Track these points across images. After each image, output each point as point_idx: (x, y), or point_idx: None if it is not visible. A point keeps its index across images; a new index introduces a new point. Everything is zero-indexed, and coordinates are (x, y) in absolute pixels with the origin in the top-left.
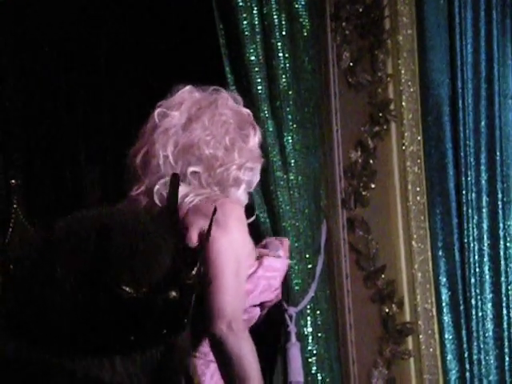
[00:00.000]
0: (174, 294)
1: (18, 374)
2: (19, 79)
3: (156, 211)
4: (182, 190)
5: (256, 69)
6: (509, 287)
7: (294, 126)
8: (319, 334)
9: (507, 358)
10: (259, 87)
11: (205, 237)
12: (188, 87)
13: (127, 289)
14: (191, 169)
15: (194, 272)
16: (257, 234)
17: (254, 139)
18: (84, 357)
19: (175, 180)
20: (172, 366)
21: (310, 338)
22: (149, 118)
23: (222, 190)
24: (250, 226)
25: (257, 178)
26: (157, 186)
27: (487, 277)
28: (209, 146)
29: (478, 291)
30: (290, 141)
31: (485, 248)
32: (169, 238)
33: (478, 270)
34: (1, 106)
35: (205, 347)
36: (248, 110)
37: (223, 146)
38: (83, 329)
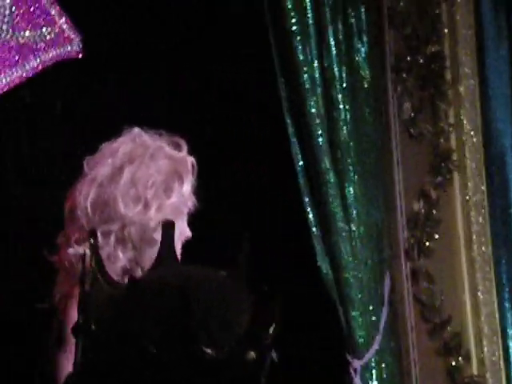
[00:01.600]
0: (252, 354)
1: None
2: None
3: (234, 269)
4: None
5: (317, 121)
6: None
7: (356, 176)
8: None
9: None
10: (320, 139)
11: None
12: (134, 131)
13: (207, 350)
14: (103, 228)
15: (271, 331)
16: (319, 284)
17: (181, 189)
18: None
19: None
20: None
21: None
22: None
23: (136, 249)
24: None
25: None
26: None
27: None
28: (125, 204)
29: None
30: (352, 192)
31: None
32: (245, 297)
33: None
34: None
35: None
36: (186, 157)
37: (142, 203)
38: None
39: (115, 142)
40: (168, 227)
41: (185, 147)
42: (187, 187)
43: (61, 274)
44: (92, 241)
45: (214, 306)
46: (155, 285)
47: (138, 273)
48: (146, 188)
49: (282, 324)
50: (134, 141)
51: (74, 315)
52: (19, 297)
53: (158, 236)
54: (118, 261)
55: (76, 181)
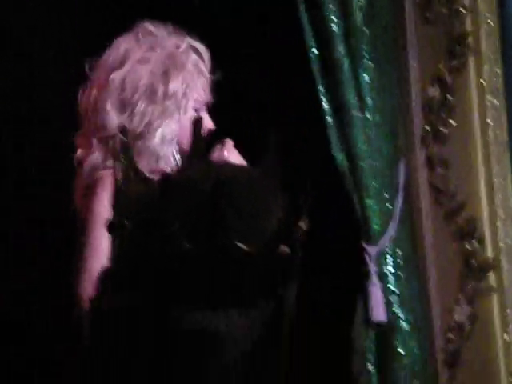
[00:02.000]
0: (285, 248)
1: (135, 326)
2: None
3: (263, 165)
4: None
5: (330, 6)
6: None
7: (370, 63)
8: (400, 273)
9: None
10: (333, 25)
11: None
12: (141, 25)
13: (242, 245)
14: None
15: (302, 226)
16: (335, 174)
17: (166, 91)
18: (200, 309)
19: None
20: (281, 321)
21: (391, 277)
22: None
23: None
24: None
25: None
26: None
27: None
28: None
29: None
30: (366, 79)
31: None
32: (278, 193)
33: None
34: None
35: None
36: (187, 52)
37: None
38: (199, 283)
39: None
40: (197, 124)
41: (186, 39)
42: (176, 84)
43: (79, 173)
44: (122, 137)
45: (246, 202)
46: (187, 182)
47: None
48: (132, 94)
49: (312, 219)
50: (133, 39)
51: (99, 211)
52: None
53: (145, 143)
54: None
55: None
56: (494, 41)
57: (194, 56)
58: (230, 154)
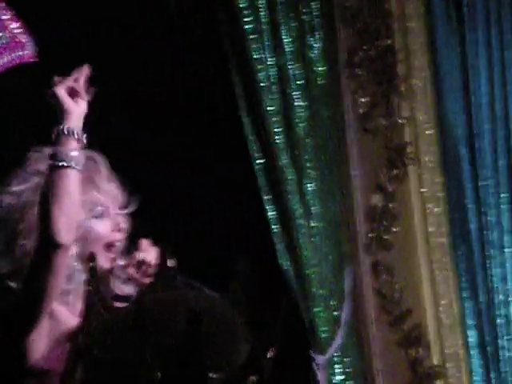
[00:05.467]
0: (253, 378)
1: None
2: None
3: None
4: None
5: (274, 118)
6: None
7: (313, 173)
8: (348, 382)
9: None
10: (277, 137)
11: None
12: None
13: (214, 375)
14: None
15: (269, 356)
16: (280, 281)
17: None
18: None
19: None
20: None
21: None
22: None
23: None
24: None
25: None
26: None
27: None
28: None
29: (504, 331)
30: (310, 188)
31: (509, 287)
32: (243, 323)
33: (503, 310)
34: None
35: None
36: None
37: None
38: None
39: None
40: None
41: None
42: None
43: None
44: (91, 264)
45: (219, 334)
46: (160, 309)
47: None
48: None
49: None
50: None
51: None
52: None
53: None
54: None
55: None
56: (433, 150)
57: None
58: (147, 253)
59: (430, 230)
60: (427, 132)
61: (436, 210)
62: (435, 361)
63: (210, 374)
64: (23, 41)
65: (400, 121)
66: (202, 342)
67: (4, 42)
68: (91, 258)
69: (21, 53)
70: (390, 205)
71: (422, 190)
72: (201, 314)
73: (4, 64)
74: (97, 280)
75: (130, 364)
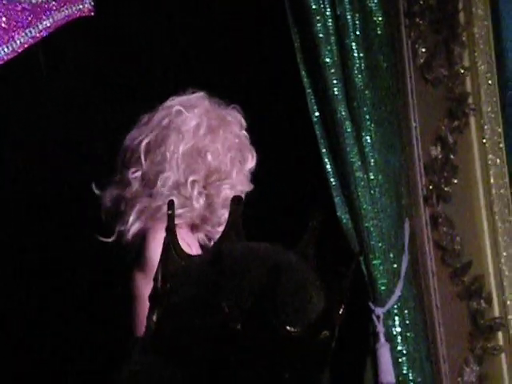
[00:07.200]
0: (326, 333)
1: None
2: None
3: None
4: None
5: (332, 70)
6: None
7: (372, 125)
8: (408, 334)
9: None
10: (335, 89)
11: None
12: (202, 93)
13: (290, 328)
14: (192, 178)
15: (341, 312)
16: (339, 234)
17: (251, 163)
18: None
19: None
20: None
21: (399, 337)
22: (157, 109)
23: (207, 205)
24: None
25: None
26: (165, 191)
27: None
28: (214, 157)
29: None
30: (369, 140)
31: None
32: (318, 279)
33: None
34: None
35: None
36: (247, 135)
37: (225, 163)
38: (239, 363)
39: (190, 97)
40: (237, 203)
41: (245, 126)
42: (254, 162)
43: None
44: (169, 212)
45: (300, 287)
46: (242, 263)
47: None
48: (229, 150)
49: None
50: (205, 101)
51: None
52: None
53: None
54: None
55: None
56: (494, 100)
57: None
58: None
59: (491, 181)
60: (489, 82)
61: (497, 160)
62: (496, 313)
63: (288, 328)
64: None
65: (461, 70)
66: (282, 296)
67: None
68: (170, 204)
69: (80, 7)
70: (451, 156)
71: (483, 140)
72: (280, 267)
73: (63, 18)
74: (173, 228)
75: (206, 313)
